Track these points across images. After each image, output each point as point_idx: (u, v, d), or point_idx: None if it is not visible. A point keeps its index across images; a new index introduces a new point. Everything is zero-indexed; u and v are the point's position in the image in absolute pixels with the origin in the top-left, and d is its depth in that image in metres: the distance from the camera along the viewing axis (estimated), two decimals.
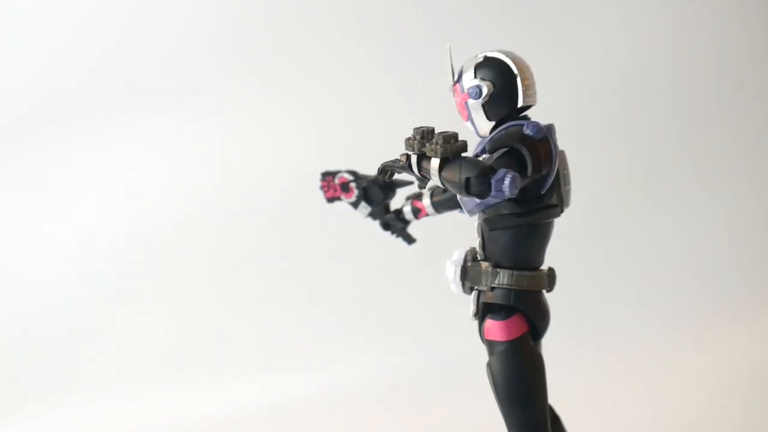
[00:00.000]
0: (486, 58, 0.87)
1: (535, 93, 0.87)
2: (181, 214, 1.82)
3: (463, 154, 0.74)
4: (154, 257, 1.82)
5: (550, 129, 0.83)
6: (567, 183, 0.86)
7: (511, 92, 0.85)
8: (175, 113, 1.83)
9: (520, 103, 0.85)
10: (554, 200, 0.84)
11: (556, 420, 0.92)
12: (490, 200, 0.74)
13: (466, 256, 0.88)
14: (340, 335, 1.73)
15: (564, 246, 1.68)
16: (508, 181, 0.70)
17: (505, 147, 0.79)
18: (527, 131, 0.80)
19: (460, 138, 0.75)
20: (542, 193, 0.83)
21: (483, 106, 0.86)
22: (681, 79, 1.75)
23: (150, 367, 1.77)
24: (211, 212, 1.81)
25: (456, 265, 0.88)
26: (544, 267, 0.89)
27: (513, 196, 0.71)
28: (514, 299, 0.87)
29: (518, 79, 0.85)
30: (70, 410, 1.72)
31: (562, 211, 0.86)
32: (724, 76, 1.75)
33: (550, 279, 0.89)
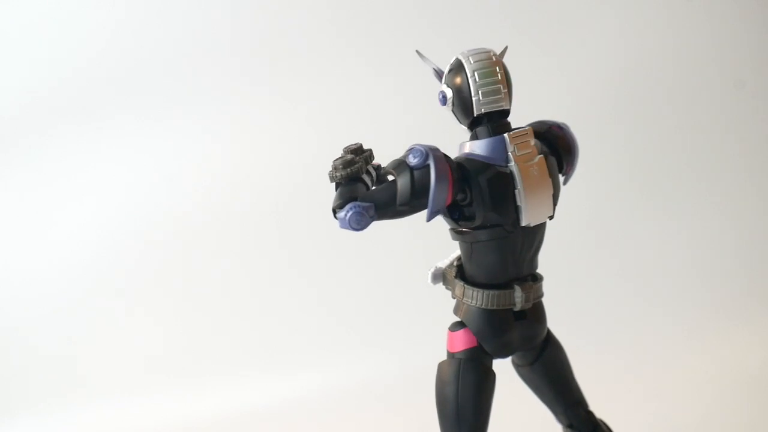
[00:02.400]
0: (455, 60, 0.82)
1: (502, 98, 0.80)
2: (180, 215, 1.82)
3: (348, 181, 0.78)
4: (154, 258, 1.82)
5: (437, 155, 0.77)
6: (520, 200, 0.78)
7: (467, 98, 0.80)
8: (175, 114, 1.83)
9: (474, 111, 0.80)
10: (493, 220, 0.79)
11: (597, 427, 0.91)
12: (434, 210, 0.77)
13: (453, 260, 0.88)
14: (340, 335, 1.72)
15: (564, 246, 1.69)
16: (349, 215, 0.74)
17: (389, 174, 0.80)
18: (409, 159, 0.77)
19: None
20: (480, 212, 0.78)
21: (453, 113, 0.82)
22: (681, 79, 1.75)
23: (150, 368, 1.77)
24: (210, 213, 1.81)
25: (438, 267, 0.88)
26: (520, 285, 0.83)
27: (363, 229, 0.75)
28: (464, 313, 0.85)
29: (470, 83, 0.79)
30: (71, 410, 1.72)
31: (510, 231, 0.79)
32: (724, 76, 1.75)
33: (508, 299, 0.82)
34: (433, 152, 0.77)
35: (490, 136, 0.79)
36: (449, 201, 0.78)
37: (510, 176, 0.78)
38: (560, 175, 0.85)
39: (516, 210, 0.78)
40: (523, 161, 0.78)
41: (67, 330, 1.81)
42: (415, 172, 0.77)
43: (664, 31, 1.77)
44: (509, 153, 0.78)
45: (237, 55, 1.83)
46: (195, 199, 1.82)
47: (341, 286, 1.74)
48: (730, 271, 1.68)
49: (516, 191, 0.78)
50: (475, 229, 0.80)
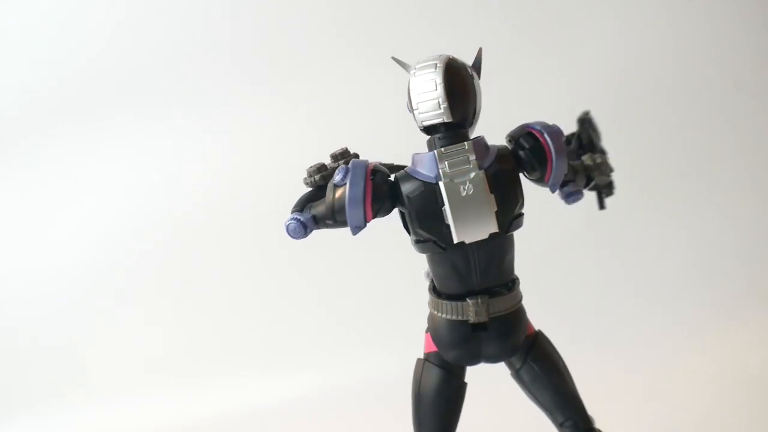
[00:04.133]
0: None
1: (442, 112, 0.77)
2: (180, 215, 1.82)
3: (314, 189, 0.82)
4: (154, 258, 1.82)
5: (358, 173, 0.78)
6: (447, 218, 0.77)
7: (411, 111, 0.80)
8: (175, 114, 1.83)
9: (417, 124, 0.80)
10: (425, 236, 0.79)
11: None
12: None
13: None
14: (340, 336, 1.73)
15: (565, 246, 1.69)
16: (289, 225, 0.80)
17: None
18: (335, 175, 0.79)
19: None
20: (412, 228, 0.80)
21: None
22: (681, 80, 1.75)
23: (150, 368, 1.77)
24: (210, 213, 1.81)
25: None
26: (473, 299, 0.81)
27: (300, 239, 0.80)
28: (428, 319, 0.88)
29: (411, 96, 0.79)
30: (71, 410, 1.72)
31: (443, 248, 0.79)
32: (724, 76, 1.75)
33: (461, 311, 0.82)
34: (354, 170, 0.78)
35: (433, 149, 0.79)
36: (369, 218, 0.79)
37: (439, 193, 0.77)
38: (547, 182, 0.81)
39: (447, 227, 0.77)
40: (453, 178, 0.76)
41: (67, 330, 1.81)
42: (337, 190, 0.79)
43: (664, 31, 1.77)
44: (439, 170, 0.77)
45: (237, 55, 1.83)
46: (195, 199, 1.82)
47: (341, 286, 1.74)
48: (730, 271, 1.68)
49: (443, 209, 0.77)
50: (415, 242, 0.82)
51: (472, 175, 0.76)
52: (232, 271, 1.80)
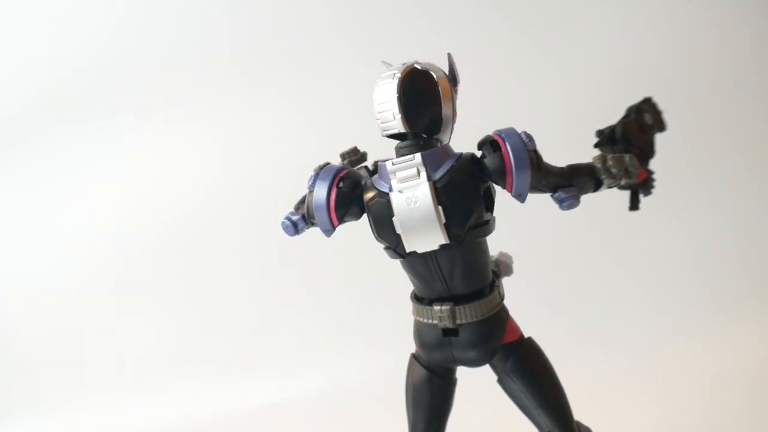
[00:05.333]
0: None
1: (396, 123, 0.78)
2: (180, 215, 1.82)
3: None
4: (153, 258, 1.82)
5: (323, 180, 0.81)
6: (398, 228, 0.78)
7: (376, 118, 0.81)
8: (175, 114, 1.83)
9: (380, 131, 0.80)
10: (383, 244, 0.81)
11: None
12: None
13: None
14: (340, 336, 1.73)
15: (565, 246, 1.69)
16: (283, 224, 0.85)
17: None
18: (308, 181, 0.83)
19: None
20: (373, 235, 0.82)
21: None
22: (681, 80, 1.75)
23: (150, 368, 1.77)
24: (210, 213, 1.81)
25: None
26: (438, 306, 0.82)
27: (294, 235, 0.84)
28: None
29: (374, 106, 0.81)
30: (71, 410, 1.73)
31: (401, 255, 0.80)
32: (724, 76, 1.74)
33: (428, 315, 0.83)
34: (321, 177, 0.81)
35: (397, 157, 0.80)
36: (335, 222, 0.81)
37: (391, 204, 0.78)
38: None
39: (399, 237, 0.78)
40: (402, 190, 0.77)
41: (67, 330, 1.81)
42: (308, 195, 0.83)
43: (664, 31, 1.77)
44: (390, 181, 0.78)
45: (237, 55, 1.83)
46: (195, 199, 1.82)
47: (341, 286, 1.74)
48: (730, 271, 1.68)
49: (393, 219, 0.78)
50: (383, 248, 0.83)
51: (420, 187, 0.76)
52: (233, 271, 1.80)
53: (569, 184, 0.80)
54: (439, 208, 0.76)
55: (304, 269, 1.75)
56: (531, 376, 0.83)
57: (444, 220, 0.76)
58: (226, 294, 1.79)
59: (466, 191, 0.77)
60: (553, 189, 0.79)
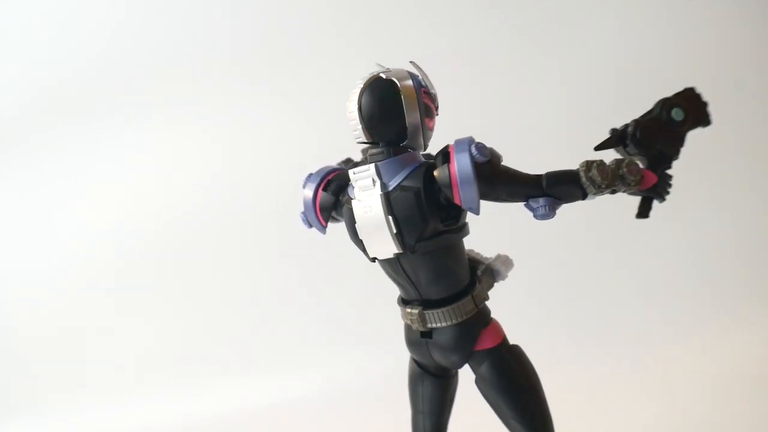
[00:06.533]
0: None
1: (359, 132, 0.79)
2: (180, 215, 1.82)
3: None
4: (153, 258, 1.82)
5: (310, 181, 0.83)
6: (360, 235, 0.79)
7: None
8: (175, 114, 1.83)
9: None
10: (357, 246, 0.82)
11: None
12: None
13: None
14: (340, 336, 1.73)
15: (565, 247, 1.69)
16: (301, 218, 0.86)
17: None
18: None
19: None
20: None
21: None
22: (681, 80, 1.74)
23: (150, 368, 1.77)
24: (210, 213, 1.81)
25: None
26: (409, 308, 0.83)
27: (309, 229, 0.86)
28: None
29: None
30: (71, 410, 1.72)
31: (372, 259, 0.82)
32: (724, 76, 1.74)
33: (405, 316, 0.85)
34: (310, 179, 0.84)
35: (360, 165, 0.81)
36: (323, 222, 0.84)
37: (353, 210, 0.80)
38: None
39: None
40: (361, 198, 0.78)
41: (67, 330, 1.81)
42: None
43: (664, 31, 1.77)
44: (353, 189, 0.80)
45: (237, 55, 1.83)
46: (195, 198, 1.82)
47: (341, 286, 1.74)
48: (730, 271, 1.68)
49: (356, 225, 0.79)
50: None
51: (374, 196, 0.77)
52: (233, 271, 1.80)
53: (543, 193, 0.76)
54: (389, 218, 0.77)
55: (304, 269, 1.75)
56: (505, 384, 0.82)
57: (395, 230, 0.77)
58: (225, 294, 1.79)
59: (416, 202, 0.76)
60: (522, 198, 0.77)
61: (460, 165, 0.75)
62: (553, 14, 1.79)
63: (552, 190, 0.76)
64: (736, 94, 1.73)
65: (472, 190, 0.74)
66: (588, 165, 0.76)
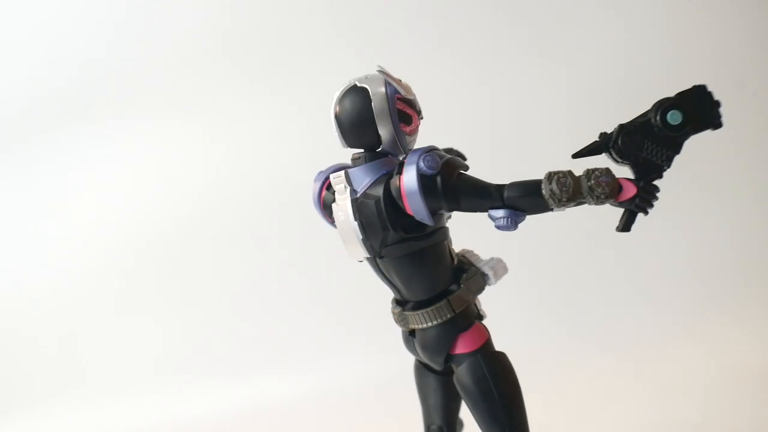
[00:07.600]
0: None
1: (338, 138, 0.82)
2: (181, 215, 1.82)
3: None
4: (153, 258, 1.82)
5: (320, 177, 0.85)
6: (340, 237, 0.81)
7: None
8: (175, 114, 1.83)
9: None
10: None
11: None
12: None
13: None
14: (340, 336, 1.72)
15: (565, 247, 1.69)
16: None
17: None
18: None
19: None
20: None
21: None
22: (681, 80, 1.74)
23: (150, 368, 1.77)
24: (210, 213, 1.81)
25: None
26: (394, 307, 0.86)
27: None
28: None
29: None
30: (71, 410, 1.72)
31: (359, 260, 0.85)
32: (724, 76, 1.74)
33: (395, 316, 0.87)
34: (316, 179, 0.85)
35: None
36: (328, 219, 0.86)
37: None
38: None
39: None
40: (338, 201, 0.81)
41: (66, 330, 1.81)
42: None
43: (663, 32, 1.77)
44: (334, 194, 0.82)
45: (237, 55, 1.83)
46: (195, 198, 1.82)
47: (341, 286, 1.74)
48: (730, 271, 1.68)
49: (337, 228, 0.81)
50: None
51: (346, 201, 0.79)
52: (232, 271, 1.80)
53: (502, 204, 0.75)
54: (356, 223, 0.78)
55: (305, 269, 1.75)
56: (477, 391, 0.80)
57: (362, 236, 0.79)
58: (226, 294, 1.79)
59: (376, 210, 0.77)
60: (483, 210, 0.76)
61: (407, 177, 0.76)
62: (554, 16, 1.79)
63: (513, 202, 0.75)
64: (737, 95, 1.73)
65: (418, 201, 0.75)
66: (549, 176, 0.73)
